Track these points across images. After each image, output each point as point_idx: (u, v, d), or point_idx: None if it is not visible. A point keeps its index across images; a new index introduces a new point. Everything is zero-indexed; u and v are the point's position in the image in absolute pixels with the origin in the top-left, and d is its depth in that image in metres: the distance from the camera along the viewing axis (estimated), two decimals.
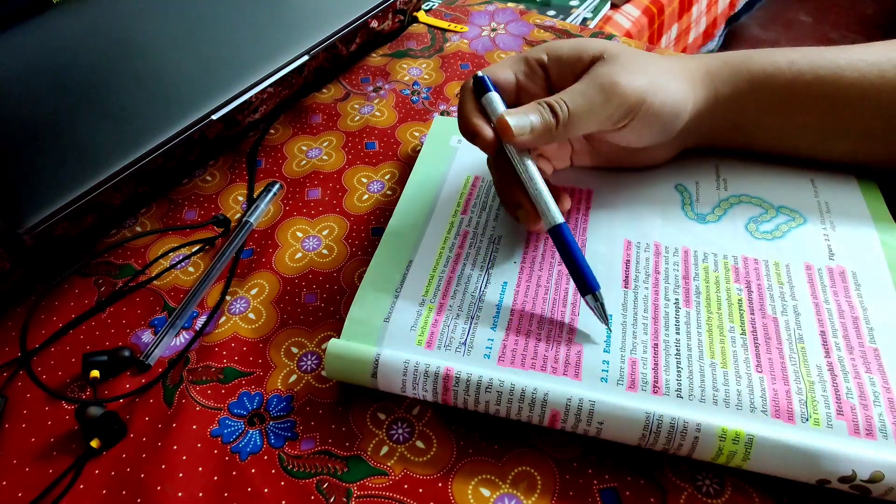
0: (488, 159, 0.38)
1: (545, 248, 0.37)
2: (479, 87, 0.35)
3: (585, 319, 0.33)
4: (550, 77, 0.36)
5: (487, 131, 0.33)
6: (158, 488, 0.30)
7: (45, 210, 0.36)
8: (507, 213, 0.38)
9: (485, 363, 0.31)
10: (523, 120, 0.32)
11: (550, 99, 0.33)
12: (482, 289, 0.35)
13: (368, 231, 0.42)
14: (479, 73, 0.35)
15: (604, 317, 0.32)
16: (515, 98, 0.36)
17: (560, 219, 0.33)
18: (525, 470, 0.30)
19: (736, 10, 1.79)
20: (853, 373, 0.29)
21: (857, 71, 0.35)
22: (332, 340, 0.32)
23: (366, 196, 0.45)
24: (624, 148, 0.37)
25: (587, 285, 0.32)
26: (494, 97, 0.34)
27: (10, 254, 0.39)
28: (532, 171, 0.34)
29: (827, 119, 0.36)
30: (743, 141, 0.39)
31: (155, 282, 0.40)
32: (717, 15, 1.63)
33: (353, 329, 0.33)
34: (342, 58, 0.57)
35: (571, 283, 0.35)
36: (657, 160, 0.39)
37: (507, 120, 0.32)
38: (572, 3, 1.13)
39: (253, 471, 0.31)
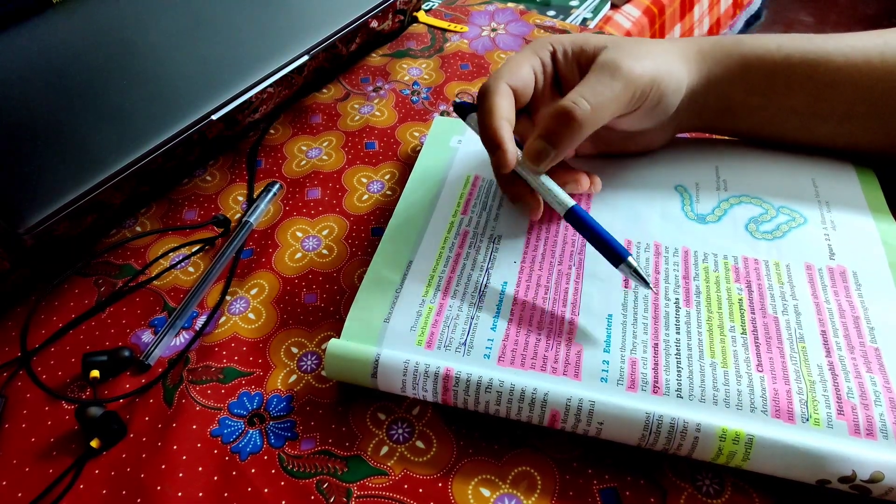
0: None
1: (545, 248, 0.37)
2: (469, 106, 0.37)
3: (585, 319, 0.33)
4: (558, 69, 0.37)
5: (512, 150, 0.33)
6: (158, 488, 0.30)
7: (45, 210, 0.36)
8: (510, 204, 0.39)
9: (485, 363, 0.31)
10: (546, 151, 0.33)
11: (568, 101, 0.33)
12: (482, 289, 0.35)
13: (368, 231, 0.42)
14: (492, 86, 0.35)
15: (643, 280, 0.32)
16: (532, 94, 0.37)
17: (571, 202, 0.34)
18: (525, 470, 0.30)
19: (750, 13, 1.79)
20: (854, 372, 0.29)
21: (843, 56, 0.36)
22: (332, 340, 0.32)
23: (366, 196, 0.45)
24: (623, 133, 0.38)
25: (617, 254, 0.32)
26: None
27: (10, 254, 0.39)
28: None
29: (812, 102, 0.37)
30: (731, 124, 0.40)
31: (155, 282, 0.40)
32: (721, 15, 1.63)
33: (353, 329, 0.33)
34: (342, 58, 0.57)
35: (571, 282, 0.35)
36: (655, 144, 0.40)
37: (530, 158, 0.34)
38: (572, 3, 1.13)
39: (253, 471, 0.31)
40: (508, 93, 0.35)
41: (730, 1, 1.67)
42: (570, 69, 0.37)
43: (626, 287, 0.34)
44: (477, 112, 0.35)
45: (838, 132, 0.38)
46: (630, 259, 0.32)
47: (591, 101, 0.32)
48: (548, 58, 0.37)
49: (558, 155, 0.34)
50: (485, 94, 0.35)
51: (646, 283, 0.32)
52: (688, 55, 0.37)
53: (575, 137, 0.33)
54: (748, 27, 1.93)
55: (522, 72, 0.35)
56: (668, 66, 0.35)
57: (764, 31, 1.92)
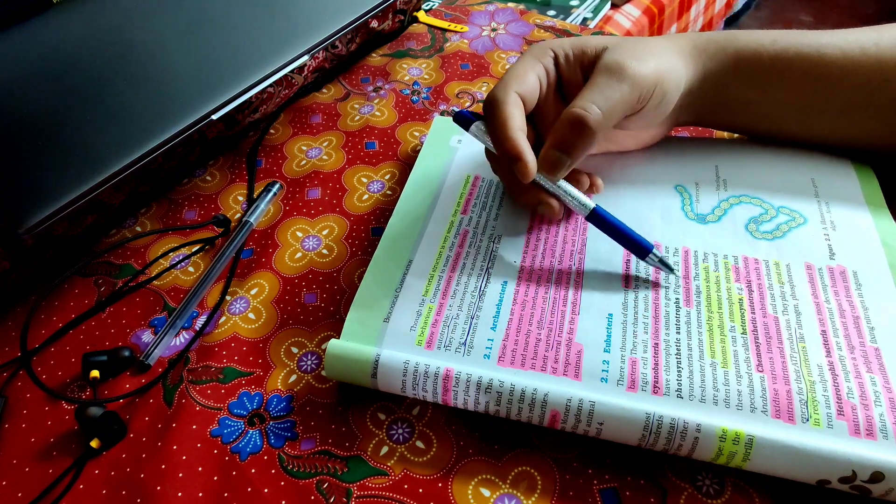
0: (493, 164, 0.39)
1: (545, 247, 0.37)
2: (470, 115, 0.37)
3: (586, 319, 0.33)
4: (561, 74, 0.37)
5: (532, 161, 0.33)
6: (158, 488, 0.30)
7: (45, 210, 0.36)
8: (510, 204, 0.39)
9: (485, 363, 0.31)
10: (562, 161, 0.34)
11: (579, 108, 0.32)
12: (482, 289, 0.35)
13: (368, 231, 0.42)
14: (498, 96, 0.34)
15: (668, 268, 0.34)
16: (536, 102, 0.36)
17: (592, 203, 0.35)
18: (525, 470, 0.30)
19: (733, 11, 1.81)
20: (854, 372, 0.29)
21: (838, 48, 0.36)
22: (332, 341, 0.32)
23: (366, 196, 0.45)
24: (621, 131, 0.38)
25: (642, 248, 0.34)
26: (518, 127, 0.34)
27: (10, 254, 0.39)
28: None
29: (808, 96, 0.37)
30: (728, 119, 0.40)
31: (155, 282, 0.40)
32: (714, 14, 1.65)
33: (352, 329, 0.33)
34: (342, 58, 0.57)
35: (571, 282, 0.35)
36: (652, 141, 0.41)
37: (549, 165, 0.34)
38: (572, 3, 1.13)
39: (253, 471, 0.31)
40: (518, 102, 0.34)
41: (723, 2, 1.68)
42: (572, 73, 0.36)
43: (626, 287, 0.34)
44: (487, 123, 0.35)
45: (835, 126, 0.38)
46: (655, 251, 0.34)
47: (601, 106, 0.32)
48: (550, 64, 0.36)
49: (573, 163, 0.34)
50: (495, 105, 0.34)
51: (671, 270, 0.34)
52: (683, 51, 0.37)
53: (589, 143, 0.33)
54: (746, 9, 1.94)
55: (529, 79, 0.35)
56: (669, 63, 0.35)
57: (762, 28, 1.92)
